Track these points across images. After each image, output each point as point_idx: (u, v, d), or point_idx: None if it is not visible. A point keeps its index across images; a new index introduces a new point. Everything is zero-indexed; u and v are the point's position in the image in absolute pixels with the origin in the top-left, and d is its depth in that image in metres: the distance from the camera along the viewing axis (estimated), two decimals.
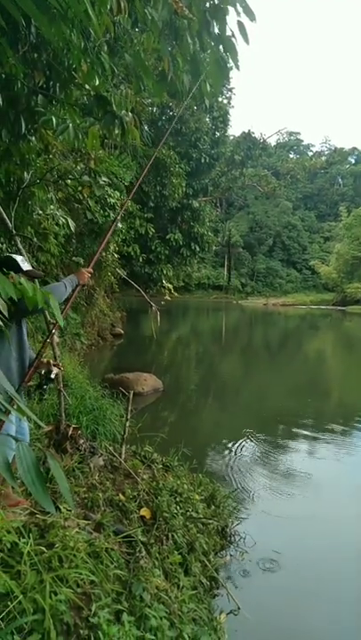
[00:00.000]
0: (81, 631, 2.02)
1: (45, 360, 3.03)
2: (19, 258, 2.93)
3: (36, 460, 1.16)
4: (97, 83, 3.34)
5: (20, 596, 1.93)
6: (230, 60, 2.40)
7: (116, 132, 3.45)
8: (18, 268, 2.80)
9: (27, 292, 1.81)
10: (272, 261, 62.21)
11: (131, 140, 3.78)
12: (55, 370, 3.03)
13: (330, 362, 16.94)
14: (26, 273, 2.75)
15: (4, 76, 3.25)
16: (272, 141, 72.65)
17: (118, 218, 4.21)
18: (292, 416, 8.02)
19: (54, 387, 3.78)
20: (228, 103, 29.20)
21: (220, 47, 2.40)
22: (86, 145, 4.48)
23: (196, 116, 23.43)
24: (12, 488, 2.82)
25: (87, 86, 3.24)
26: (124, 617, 2.16)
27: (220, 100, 27.51)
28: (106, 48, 3.45)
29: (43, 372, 2.99)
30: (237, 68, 2.43)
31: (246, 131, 29.87)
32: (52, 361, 3.09)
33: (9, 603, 1.93)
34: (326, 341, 23.19)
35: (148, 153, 19.63)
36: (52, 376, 3.00)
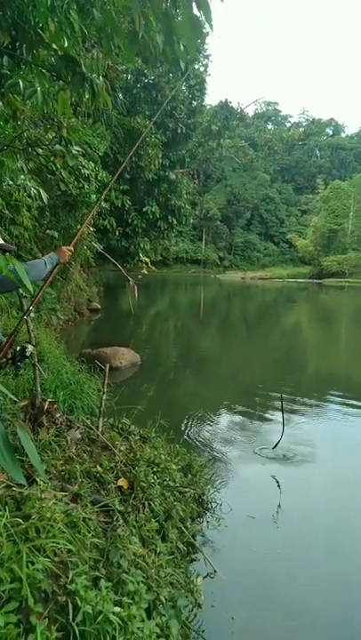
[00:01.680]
0: (59, 598, 2.05)
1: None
2: None
3: (5, 433, 1.14)
4: (65, 44, 3.18)
5: None
6: (204, 20, 2.30)
7: (87, 96, 3.31)
8: None
9: None
10: (250, 235, 62.22)
11: (102, 106, 3.65)
12: (30, 347, 2.99)
13: (306, 334, 17.25)
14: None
15: None
16: (250, 111, 71.67)
17: (102, 197, 4.06)
18: (269, 388, 8.17)
19: (30, 362, 3.73)
20: (205, 71, 28.40)
21: (193, 4, 2.30)
22: (57, 111, 4.32)
23: (172, 83, 22.77)
24: None
25: (55, 46, 3.08)
26: (102, 583, 2.20)
27: (196, 67, 26.77)
28: (75, 7, 3.28)
29: (17, 348, 2.95)
30: (211, 28, 2.33)
31: (223, 100, 29.24)
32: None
33: None
34: (303, 314, 23.54)
35: (122, 122, 19.10)
36: (27, 353, 2.96)
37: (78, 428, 3.74)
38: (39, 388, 3.61)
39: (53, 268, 2.92)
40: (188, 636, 2.45)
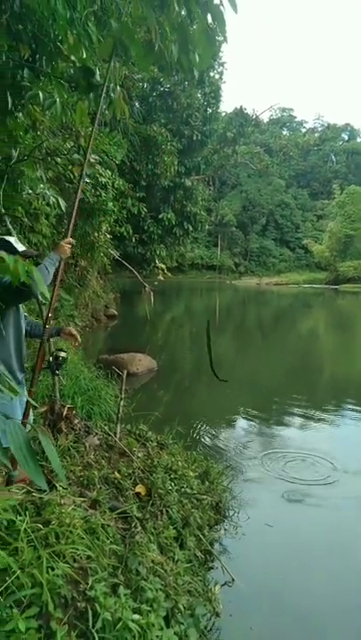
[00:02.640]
0: (78, 604, 2.06)
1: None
2: (12, 239, 2.89)
3: (27, 438, 1.16)
4: (84, 55, 3.25)
5: (18, 572, 1.96)
6: (218, 31, 2.33)
7: (104, 106, 3.36)
8: (13, 250, 2.77)
9: (7, 267, 1.78)
10: (265, 240, 61.98)
11: (120, 115, 3.69)
12: (63, 353, 3.01)
13: (322, 340, 17.07)
14: (21, 253, 2.72)
15: None
16: (265, 118, 71.59)
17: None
18: (286, 393, 8.10)
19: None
20: (220, 78, 28.56)
21: (208, 16, 2.32)
22: (75, 121, 4.39)
23: (187, 91, 22.97)
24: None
25: (73, 57, 3.14)
26: (121, 590, 2.20)
27: (211, 74, 26.94)
28: (93, 18, 3.35)
29: (50, 358, 2.95)
30: (225, 39, 2.35)
31: (238, 107, 29.37)
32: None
33: (7, 578, 1.96)
34: (319, 320, 23.32)
35: (138, 130, 19.30)
36: (61, 361, 2.99)
37: (96, 434, 3.76)
38: (58, 394, 3.64)
39: (58, 266, 2.85)
40: None
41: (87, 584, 2.18)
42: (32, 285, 1.79)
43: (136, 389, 7.36)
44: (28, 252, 2.79)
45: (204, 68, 24.40)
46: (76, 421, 3.72)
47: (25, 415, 2.62)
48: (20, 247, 2.84)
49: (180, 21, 2.69)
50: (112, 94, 3.25)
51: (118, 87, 3.61)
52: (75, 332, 3.17)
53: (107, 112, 3.53)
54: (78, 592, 2.14)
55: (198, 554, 3.08)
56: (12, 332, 2.81)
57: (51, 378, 3.86)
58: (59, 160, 9.09)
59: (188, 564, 2.84)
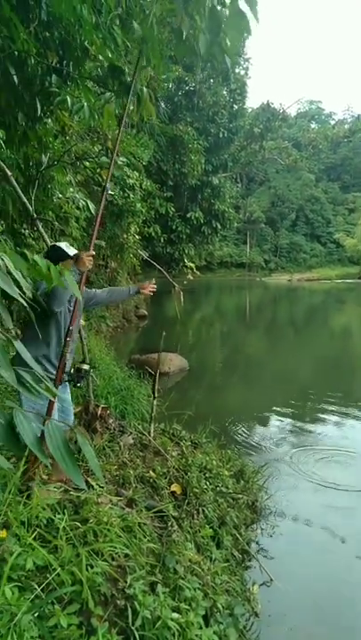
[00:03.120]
0: (118, 601, 2.08)
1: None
2: (62, 244, 2.95)
3: (65, 438, 1.18)
4: (110, 55, 3.28)
5: (59, 569, 2.00)
6: (250, 13, 2.28)
7: (132, 107, 3.39)
8: (65, 255, 2.83)
9: (40, 270, 1.81)
10: (295, 236, 60.93)
11: (147, 117, 3.71)
12: (85, 366, 3.01)
13: (357, 336, 16.65)
14: (72, 257, 2.79)
15: (16, 53, 3.21)
16: (292, 111, 70.46)
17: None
18: (319, 392, 7.95)
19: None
20: (246, 74, 28.36)
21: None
22: (102, 125, 4.45)
23: (212, 89, 22.88)
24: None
25: (101, 57, 3.17)
26: (159, 588, 2.21)
27: (236, 70, 26.76)
28: (118, 22, 3.37)
29: (71, 370, 2.95)
30: (257, 19, 2.30)
31: (265, 102, 29.03)
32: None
33: (48, 575, 2.00)
34: (352, 316, 22.75)
35: (165, 130, 19.36)
36: (83, 373, 2.98)
37: (131, 433, 3.79)
38: (92, 395, 3.70)
39: (79, 280, 2.79)
40: None
41: (126, 582, 2.20)
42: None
43: (168, 389, 7.39)
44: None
45: (234, 62, 24.18)
46: (111, 421, 3.77)
47: (49, 410, 2.61)
48: (72, 251, 2.90)
49: (211, 7, 2.65)
50: (140, 94, 3.25)
51: (145, 88, 3.62)
52: (150, 286, 3.28)
53: (134, 114, 3.53)
54: (117, 590, 2.16)
55: (235, 553, 3.06)
56: (53, 332, 2.86)
57: (86, 378, 3.92)
58: (87, 164, 9.23)
59: (226, 564, 2.82)
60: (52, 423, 1.19)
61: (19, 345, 1.28)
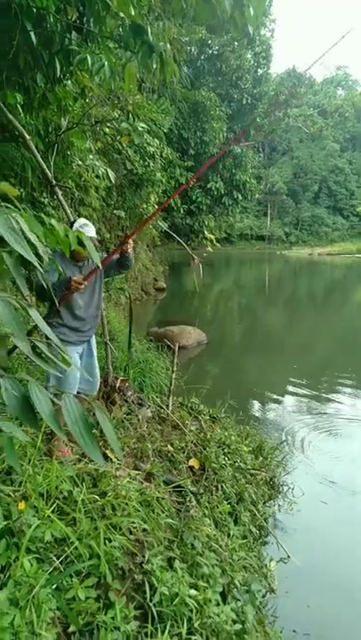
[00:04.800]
0: (135, 576, 2.07)
1: None
2: (77, 223, 2.85)
3: (83, 412, 1.11)
4: (132, 12, 3.07)
5: (77, 542, 1.99)
6: None
7: (155, 66, 3.19)
8: None
9: (58, 234, 1.72)
10: (317, 208, 59.29)
11: (170, 77, 3.50)
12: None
13: None
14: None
15: (34, 10, 3.03)
16: (318, 77, 67.40)
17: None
18: (339, 367, 7.82)
19: (102, 340, 3.78)
20: (271, 36, 27.03)
21: None
22: (123, 86, 4.24)
23: (237, 52, 21.92)
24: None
25: (122, 14, 2.96)
26: (177, 564, 2.19)
27: (262, 32, 25.51)
28: None
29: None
30: None
31: (291, 67, 27.76)
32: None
33: (66, 548, 1.99)
34: None
35: (186, 96, 18.72)
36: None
37: (149, 406, 3.76)
38: (111, 367, 3.66)
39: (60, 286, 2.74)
40: (262, 621, 2.39)
41: (144, 556, 2.18)
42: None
43: (186, 362, 7.34)
44: (93, 240, 2.75)
45: (258, 25, 23.13)
46: (130, 393, 3.74)
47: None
48: (90, 232, 2.81)
49: None
50: (163, 52, 3.05)
51: (169, 45, 3.41)
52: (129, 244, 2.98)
53: (157, 74, 3.33)
54: (135, 564, 2.15)
55: (253, 529, 3.03)
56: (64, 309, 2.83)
57: (104, 350, 3.88)
58: (107, 130, 8.99)
59: (243, 540, 2.80)
60: (69, 397, 1.12)
61: (34, 313, 1.20)
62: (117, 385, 3.60)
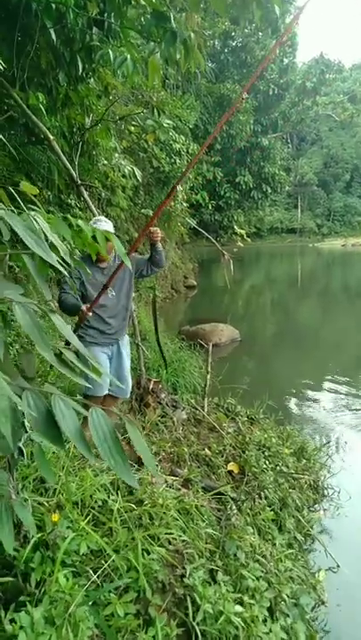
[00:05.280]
0: (176, 590, 1.96)
1: None
2: (91, 221, 2.77)
3: (112, 428, 1.00)
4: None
5: (113, 555, 1.89)
6: None
7: (178, 56, 3.07)
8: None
9: (86, 236, 1.62)
10: (350, 198, 57.60)
11: (195, 67, 3.37)
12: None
13: None
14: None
15: (54, 7, 2.96)
16: (346, 63, 65.44)
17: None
18: None
19: (133, 341, 3.70)
20: (296, 24, 26.32)
21: None
22: (147, 81, 4.15)
23: (261, 42, 21.48)
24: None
25: (143, 2, 2.85)
26: (220, 577, 2.07)
27: (286, 20, 24.91)
28: None
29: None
30: None
31: (318, 54, 27.02)
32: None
33: (102, 561, 1.90)
34: None
35: (211, 90, 18.49)
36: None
37: (184, 408, 3.65)
38: (143, 368, 3.57)
39: (73, 309, 2.74)
40: (313, 637, 2.24)
41: (184, 568, 2.07)
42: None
43: (220, 360, 7.19)
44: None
45: (280, 13, 22.57)
46: (163, 395, 3.64)
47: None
48: (106, 227, 2.72)
49: None
50: (187, 41, 2.93)
51: (192, 34, 3.27)
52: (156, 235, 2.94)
53: (181, 63, 3.21)
54: (175, 577, 2.04)
55: (298, 537, 2.87)
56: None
57: (136, 351, 3.79)
58: (132, 129, 8.93)
59: (290, 551, 2.64)
60: (97, 410, 1.01)
61: (56, 319, 1.11)
62: (151, 387, 3.51)
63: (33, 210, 1.69)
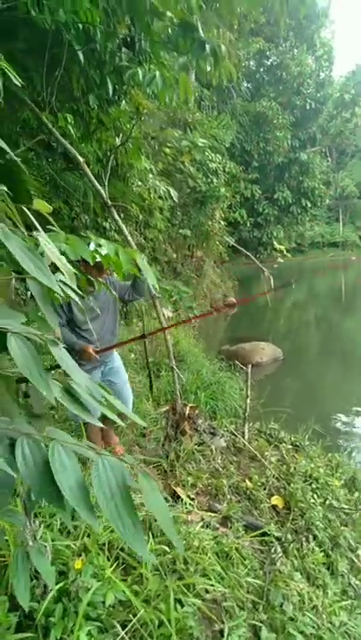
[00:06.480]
0: None
1: None
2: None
3: (124, 481, 0.83)
4: (178, 7, 2.88)
5: (142, 609, 1.70)
6: None
7: (208, 68, 2.97)
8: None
9: (110, 256, 1.50)
10: None
11: (227, 78, 3.26)
12: None
13: None
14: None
15: (81, 27, 2.95)
16: None
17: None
18: None
19: (168, 364, 3.54)
20: (332, 38, 26.21)
21: None
22: (180, 97, 4.08)
23: (297, 58, 21.41)
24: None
25: (169, 13, 2.77)
26: (264, 634, 1.83)
27: (322, 35, 24.81)
28: None
29: None
30: None
31: (357, 64, 26.62)
32: None
33: (131, 615, 1.71)
34: None
35: (247, 109, 18.51)
36: None
37: (222, 435, 3.43)
38: (179, 393, 3.39)
39: (73, 349, 2.69)
40: None
41: (222, 622, 1.85)
42: None
43: (262, 381, 6.89)
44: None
45: (315, 28, 22.42)
46: (200, 421, 3.44)
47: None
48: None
49: None
50: (216, 51, 2.82)
51: (223, 46, 3.17)
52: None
53: (212, 76, 3.11)
54: (213, 633, 1.82)
55: (354, 582, 2.56)
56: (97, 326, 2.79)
57: (171, 374, 3.62)
58: (167, 150, 8.98)
59: (343, 598, 2.35)
60: (106, 460, 0.85)
61: (57, 351, 0.96)
62: (187, 412, 3.31)
63: (51, 230, 1.59)
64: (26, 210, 1.23)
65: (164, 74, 3.55)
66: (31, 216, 1.23)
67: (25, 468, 0.81)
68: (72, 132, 3.81)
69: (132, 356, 5.66)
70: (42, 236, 1.04)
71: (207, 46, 2.70)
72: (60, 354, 0.95)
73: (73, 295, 1.10)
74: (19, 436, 0.85)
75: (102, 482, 0.81)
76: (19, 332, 0.90)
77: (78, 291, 1.13)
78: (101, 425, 1.09)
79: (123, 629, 1.66)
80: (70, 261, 1.29)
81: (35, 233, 1.04)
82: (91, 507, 0.79)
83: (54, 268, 1.08)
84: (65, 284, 1.10)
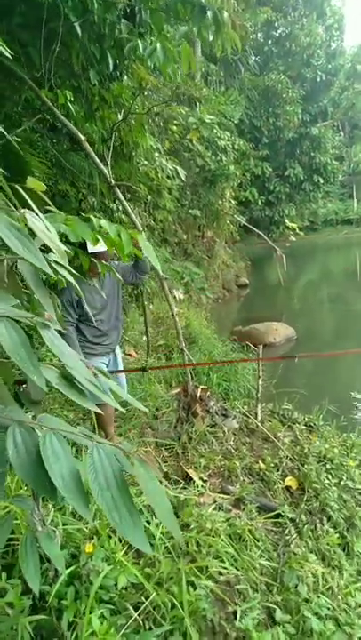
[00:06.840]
0: (228, 631, 1.72)
1: None
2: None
3: (120, 470, 0.79)
4: None
5: (153, 592, 1.69)
6: None
7: (211, 37, 2.84)
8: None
9: (111, 237, 1.44)
10: None
11: (231, 47, 3.12)
12: None
13: None
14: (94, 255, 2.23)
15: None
16: None
17: None
18: None
19: (177, 346, 3.50)
20: (343, 5, 25.19)
21: None
22: (181, 73, 3.94)
23: (306, 28, 20.67)
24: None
25: None
26: (278, 616, 1.81)
27: (332, 2, 23.86)
28: None
29: None
30: None
31: None
32: None
33: (143, 599, 1.70)
34: None
35: (255, 83, 18.00)
36: None
37: (235, 416, 3.39)
38: (190, 375, 3.35)
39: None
40: None
41: (235, 603, 1.83)
42: None
43: (275, 361, 6.83)
44: (98, 251, 2.30)
45: None
46: (212, 403, 3.40)
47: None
48: (96, 248, 2.41)
49: None
50: (218, 17, 2.69)
51: (226, 13, 3.02)
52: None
53: (215, 43, 2.97)
54: (227, 614, 1.80)
55: None
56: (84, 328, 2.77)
57: (182, 356, 3.58)
58: (174, 128, 8.78)
59: (359, 579, 2.32)
60: (101, 448, 0.80)
61: (48, 334, 0.91)
62: (198, 394, 3.28)
63: (50, 211, 1.53)
64: (19, 188, 1.17)
65: (165, 46, 3.42)
66: (25, 194, 1.17)
67: (17, 456, 0.77)
68: (73, 110, 3.70)
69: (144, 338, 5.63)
70: (30, 214, 0.99)
71: (208, 12, 2.57)
72: (52, 337, 0.90)
73: (66, 275, 1.04)
74: (10, 424, 0.82)
75: (98, 471, 0.77)
76: (7, 316, 0.85)
77: (72, 270, 1.07)
78: (100, 411, 1.04)
79: (135, 612, 1.66)
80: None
81: (22, 210, 0.98)
82: (84, 497, 0.75)
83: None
84: (58, 263, 1.04)
